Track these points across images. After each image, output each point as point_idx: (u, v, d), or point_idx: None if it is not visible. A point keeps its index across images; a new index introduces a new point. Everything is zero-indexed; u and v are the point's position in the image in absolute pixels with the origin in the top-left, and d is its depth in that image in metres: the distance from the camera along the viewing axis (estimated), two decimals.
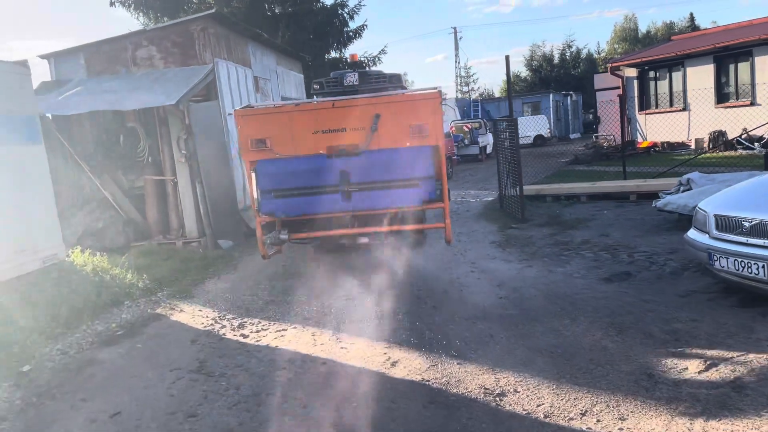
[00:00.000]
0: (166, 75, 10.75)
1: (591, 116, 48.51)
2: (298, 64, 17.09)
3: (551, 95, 43.63)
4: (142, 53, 11.13)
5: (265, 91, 13.96)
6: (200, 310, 7.03)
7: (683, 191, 8.49)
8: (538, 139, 36.37)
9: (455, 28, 60.16)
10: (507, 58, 13.70)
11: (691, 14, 76.44)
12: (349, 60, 21.33)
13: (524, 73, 57.63)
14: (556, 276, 6.98)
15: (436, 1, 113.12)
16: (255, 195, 7.14)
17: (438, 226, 7.48)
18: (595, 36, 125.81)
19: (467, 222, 11.32)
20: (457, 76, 50.63)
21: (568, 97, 45.37)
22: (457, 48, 60.88)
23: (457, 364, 4.76)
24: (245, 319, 6.53)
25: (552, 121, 39.54)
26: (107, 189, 10.97)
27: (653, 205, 8.74)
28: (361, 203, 6.96)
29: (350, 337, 5.62)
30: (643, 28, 61.86)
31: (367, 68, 21.25)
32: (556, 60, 57.77)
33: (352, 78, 9.08)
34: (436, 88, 7.26)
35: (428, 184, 6.92)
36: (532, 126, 37.99)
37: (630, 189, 11.17)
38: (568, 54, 58.52)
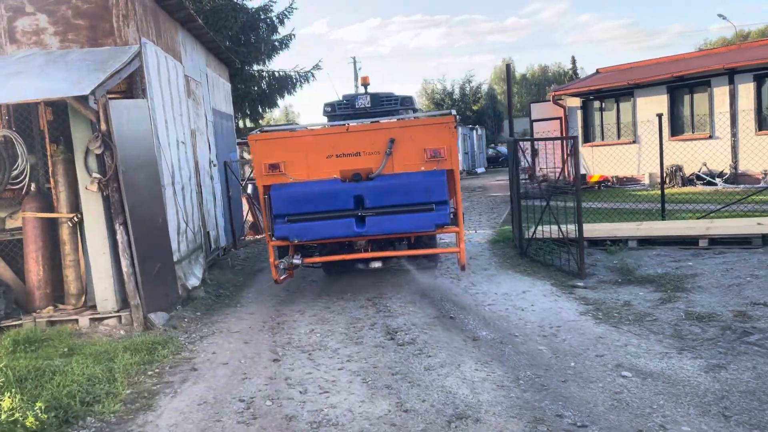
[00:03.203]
0: (67, 57, 6.93)
1: (492, 150, 47.99)
2: (226, 72, 13.50)
3: (459, 129, 42.66)
4: (24, 24, 7.23)
5: (197, 98, 10.30)
6: None
7: None
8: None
9: (354, 58, 59.28)
10: (508, 66, 11.13)
11: (573, 57, 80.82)
12: (281, 74, 18.02)
13: (423, 106, 56.83)
14: None
15: (314, 37, 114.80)
16: (268, 219, 7.12)
17: (453, 251, 8.03)
18: (476, 78, 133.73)
19: (494, 275, 8.34)
20: None
21: (474, 131, 44.68)
22: (356, 78, 59.04)
23: None
24: None
25: (461, 154, 38.27)
26: None
27: None
28: (375, 228, 6.91)
29: None
30: (522, 70, 66.85)
31: (299, 84, 17.98)
32: (456, 95, 57.71)
33: (363, 101, 9.16)
34: (450, 111, 7.25)
35: (443, 208, 6.92)
36: None
37: (698, 233, 8.75)
38: (468, 89, 58.64)
